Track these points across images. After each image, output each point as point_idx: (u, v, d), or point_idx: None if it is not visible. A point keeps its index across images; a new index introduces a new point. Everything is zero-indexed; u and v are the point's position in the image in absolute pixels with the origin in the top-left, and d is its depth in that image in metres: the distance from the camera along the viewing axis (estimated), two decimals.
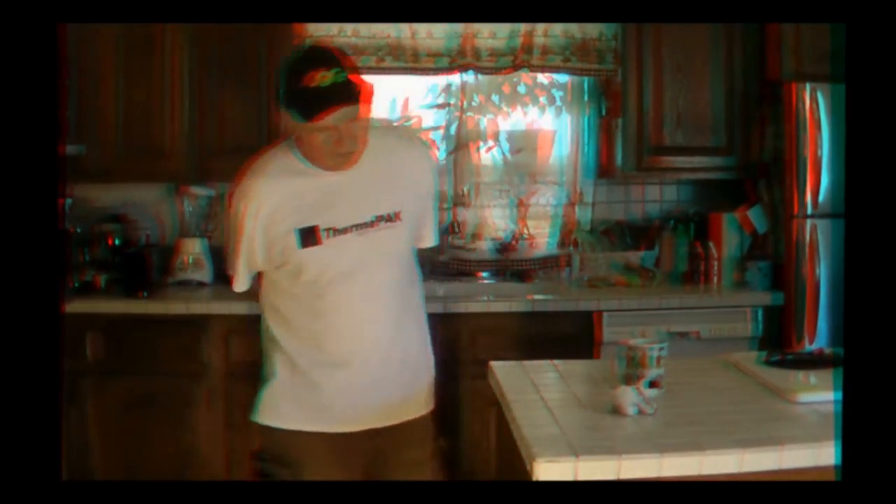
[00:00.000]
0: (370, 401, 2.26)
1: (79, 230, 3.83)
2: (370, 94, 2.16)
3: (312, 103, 2.06)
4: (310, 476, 2.25)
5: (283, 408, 2.29)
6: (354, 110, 2.09)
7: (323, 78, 2.04)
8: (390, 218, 2.23)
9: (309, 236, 2.19)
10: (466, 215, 4.16)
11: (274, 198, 2.21)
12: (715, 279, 3.99)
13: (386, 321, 2.25)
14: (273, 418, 2.31)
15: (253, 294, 2.39)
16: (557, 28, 3.93)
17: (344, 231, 2.20)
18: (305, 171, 2.21)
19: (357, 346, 2.23)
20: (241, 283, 2.34)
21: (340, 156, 2.16)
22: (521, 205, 4.21)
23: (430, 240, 2.45)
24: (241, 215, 2.23)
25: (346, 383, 2.24)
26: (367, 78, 2.20)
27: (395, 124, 4.17)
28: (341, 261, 2.20)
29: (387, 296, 2.25)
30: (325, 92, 2.04)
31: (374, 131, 2.30)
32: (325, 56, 2.12)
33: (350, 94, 2.07)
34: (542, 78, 4.19)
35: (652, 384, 2.04)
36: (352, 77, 2.09)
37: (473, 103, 4.15)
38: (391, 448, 2.31)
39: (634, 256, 4.13)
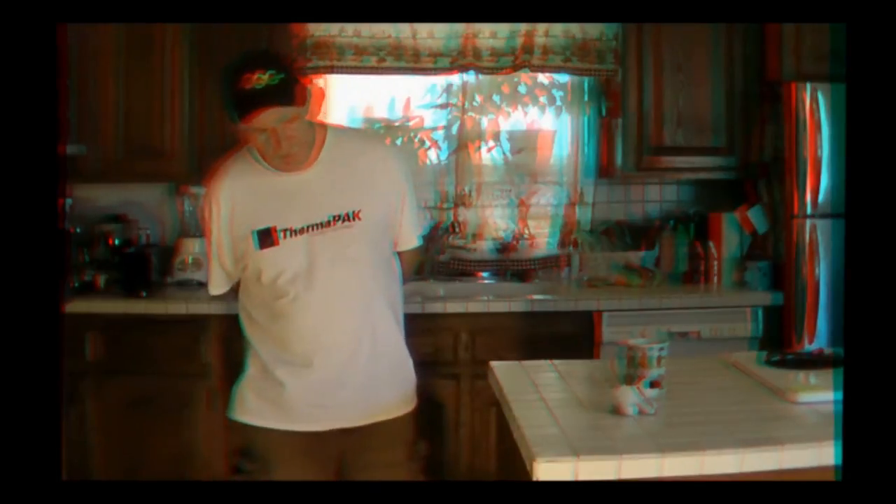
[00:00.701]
0: (334, 401, 2.26)
1: (79, 230, 3.83)
2: (317, 97, 2.18)
3: (244, 104, 2.08)
4: (278, 473, 2.26)
5: (251, 404, 2.31)
6: (288, 112, 2.10)
7: (258, 80, 2.06)
8: (348, 217, 2.23)
9: (266, 237, 2.21)
10: (467, 215, 4.16)
11: (233, 199, 2.25)
12: (715, 279, 3.99)
13: (348, 322, 2.25)
14: (242, 414, 2.33)
15: None
16: (558, 28, 3.93)
17: (300, 231, 2.21)
18: (263, 172, 2.23)
19: (318, 346, 2.23)
20: (214, 286, 2.38)
21: (282, 157, 2.17)
22: (521, 205, 4.21)
23: (408, 241, 2.41)
24: (206, 218, 2.30)
25: (309, 383, 2.25)
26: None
27: (395, 124, 4.18)
28: (298, 261, 2.21)
29: (348, 297, 2.24)
30: (257, 93, 2.06)
31: (336, 132, 2.33)
32: (263, 59, 2.14)
33: (282, 97, 2.08)
34: (543, 78, 4.19)
35: (652, 384, 2.04)
36: (290, 80, 2.10)
37: (474, 103, 4.15)
38: (361, 449, 2.31)
39: (634, 256, 4.13)
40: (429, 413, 2.48)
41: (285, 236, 2.21)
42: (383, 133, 4.13)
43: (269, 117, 2.08)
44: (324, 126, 2.32)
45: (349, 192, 2.25)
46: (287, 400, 2.26)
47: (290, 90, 2.10)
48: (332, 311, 2.23)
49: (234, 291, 2.39)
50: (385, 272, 2.34)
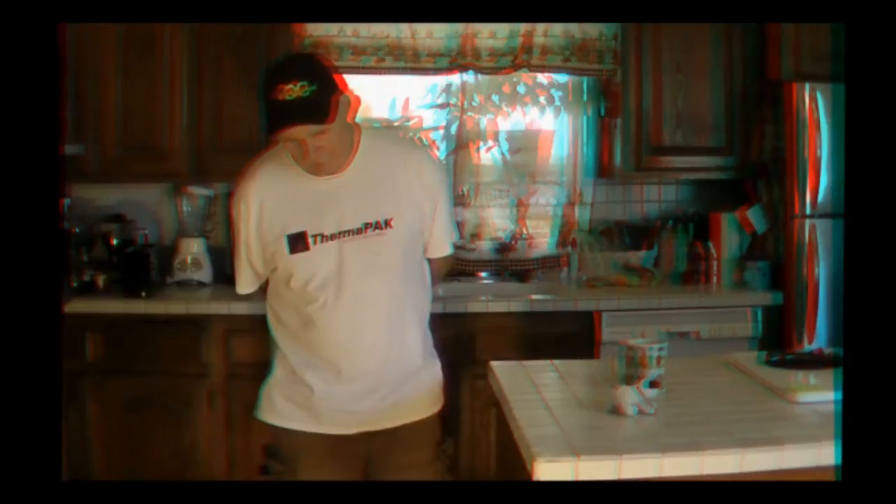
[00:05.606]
0: (363, 405, 2.26)
1: (79, 230, 3.83)
2: (352, 105, 2.15)
3: (273, 118, 2.06)
4: (306, 474, 2.26)
5: (278, 406, 2.31)
6: (316, 127, 2.06)
7: (290, 92, 2.02)
8: (380, 225, 2.20)
9: (298, 242, 2.19)
10: (466, 215, 4.16)
11: (265, 201, 2.22)
12: (714, 279, 3.99)
13: (377, 331, 2.23)
14: (270, 415, 2.33)
15: (253, 294, 2.40)
16: (557, 28, 3.93)
17: (332, 237, 2.19)
18: (296, 174, 2.20)
19: (347, 354, 2.21)
20: (242, 286, 2.36)
21: (314, 164, 2.15)
22: (520, 205, 4.21)
23: (440, 249, 2.37)
24: (236, 218, 2.27)
25: (338, 389, 2.24)
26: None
27: (395, 124, 4.18)
28: (329, 268, 2.19)
29: (378, 304, 2.22)
30: (285, 107, 2.02)
31: (370, 135, 2.28)
32: (296, 68, 2.09)
33: (310, 113, 2.04)
34: (542, 78, 4.19)
35: (652, 384, 2.04)
36: (322, 92, 2.05)
37: (473, 103, 4.15)
38: (388, 450, 2.31)
39: (634, 256, 4.13)
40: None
41: (317, 242, 2.18)
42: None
43: (296, 133, 2.06)
44: (358, 128, 2.26)
45: (382, 199, 2.22)
46: (315, 404, 2.25)
47: (320, 104, 2.05)
48: (362, 319, 2.21)
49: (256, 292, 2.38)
50: (415, 280, 2.32)
